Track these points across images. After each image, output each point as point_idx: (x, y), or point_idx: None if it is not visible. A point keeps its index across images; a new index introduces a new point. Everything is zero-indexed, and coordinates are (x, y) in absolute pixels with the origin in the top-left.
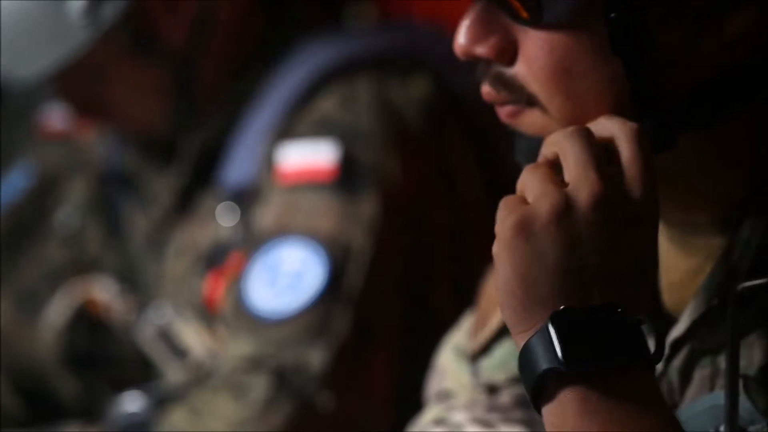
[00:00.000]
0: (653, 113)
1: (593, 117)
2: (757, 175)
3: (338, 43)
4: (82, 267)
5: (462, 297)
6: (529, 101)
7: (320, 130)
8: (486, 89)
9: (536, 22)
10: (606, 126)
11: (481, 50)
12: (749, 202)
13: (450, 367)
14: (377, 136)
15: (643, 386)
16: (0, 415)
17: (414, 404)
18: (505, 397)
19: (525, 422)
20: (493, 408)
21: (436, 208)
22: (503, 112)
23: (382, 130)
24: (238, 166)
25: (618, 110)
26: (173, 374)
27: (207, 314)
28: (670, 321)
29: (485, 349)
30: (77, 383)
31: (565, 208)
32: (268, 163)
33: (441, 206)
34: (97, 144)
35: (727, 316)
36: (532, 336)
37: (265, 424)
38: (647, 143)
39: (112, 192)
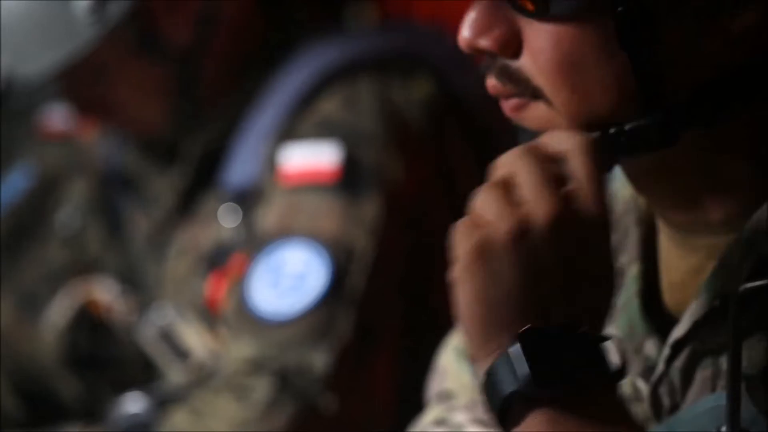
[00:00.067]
0: (657, 109)
1: (598, 111)
2: (758, 175)
3: (340, 45)
4: (83, 267)
5: None
6: (534, 94)
7: (322, 131)
8: (491, 82)
9: (542, 14)
10: (557, 139)
11: (485, 43)
12: (750, 201)
13: (451, 368)
14: (379, 138)
15: (609, 403)
16: (0, 416)
17: (415, 405)
18: None
19: None
20: None
21: (437, 208)
22: (508, 105)
23: (384, 131)
24: (240, 167)
25: (623, 105)
26: (175, 375)
27: (209, 315)
28: (671, 321)
29: None
30: (78, 384)
31: (522, 230)
32: (270, 164)
33: (442, 206)
34: (98, 144)
35: (728, 317)
36: (496, 359)
37: (267, 425)
38: (598, 156)
39: (113, 193)
